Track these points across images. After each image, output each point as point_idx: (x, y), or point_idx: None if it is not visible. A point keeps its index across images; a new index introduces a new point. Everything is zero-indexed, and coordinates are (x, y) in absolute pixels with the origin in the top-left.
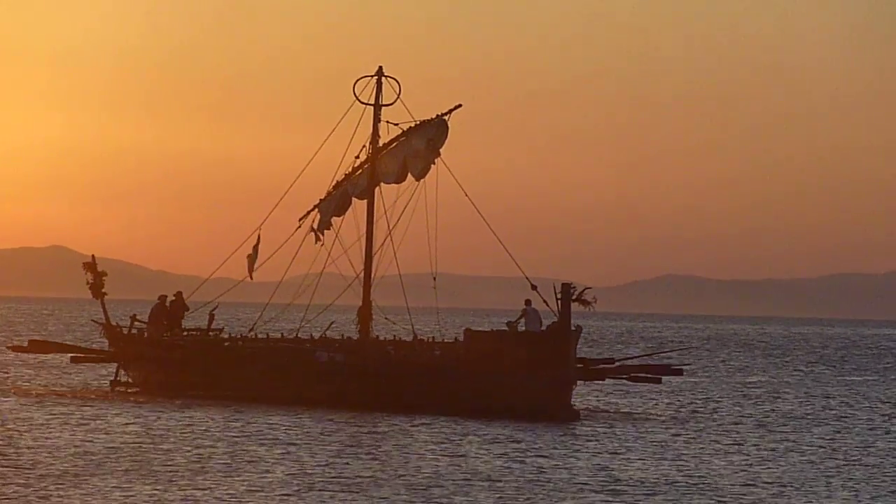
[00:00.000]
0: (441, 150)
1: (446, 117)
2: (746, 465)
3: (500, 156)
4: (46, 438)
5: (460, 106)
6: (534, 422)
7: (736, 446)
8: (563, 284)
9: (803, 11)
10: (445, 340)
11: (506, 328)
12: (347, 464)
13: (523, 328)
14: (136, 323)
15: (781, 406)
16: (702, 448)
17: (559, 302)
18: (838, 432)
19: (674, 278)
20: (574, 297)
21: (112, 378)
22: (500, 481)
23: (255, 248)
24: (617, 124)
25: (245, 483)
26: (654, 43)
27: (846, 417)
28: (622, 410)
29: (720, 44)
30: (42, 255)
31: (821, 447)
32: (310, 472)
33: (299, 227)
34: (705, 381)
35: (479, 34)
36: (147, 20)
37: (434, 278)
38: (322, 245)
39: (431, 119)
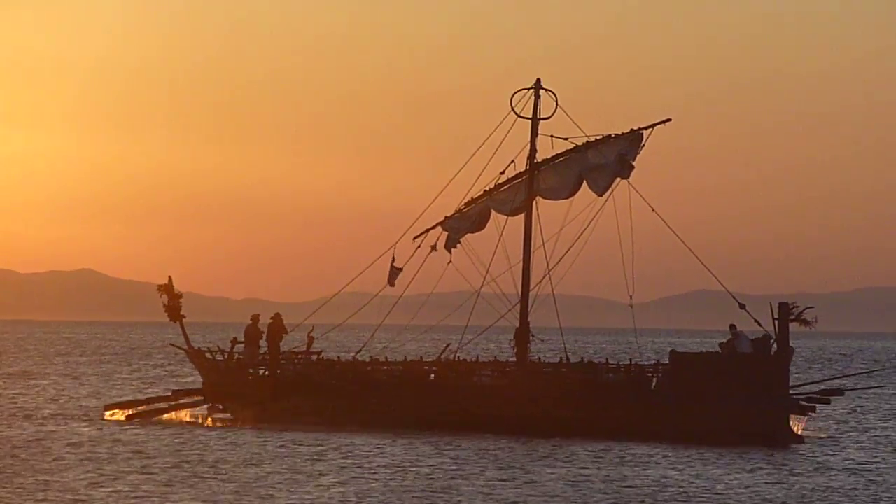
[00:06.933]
0: (635, 165)
1: (647, 131)
2: None
3: None
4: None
5: (669, 120)
6: (758, 447)
7: None
8: (780, 304)
9: None
10: (637, 363)
11: (718, 350)
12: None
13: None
14: (236, 346)
15: None
16: None
17: (776, 322)
18: None
19: (705, 294)
20: (793, 316)
21: (209, 406)
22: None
23: (393, 264)
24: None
25: None
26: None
27: None
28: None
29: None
30: (71, 279)
31: None
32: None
33: (419, 246)
34: None
35: (632, 46)
36: (220, 40)
37: (630, 296)
38: (450, 263)
39: (623, 133)
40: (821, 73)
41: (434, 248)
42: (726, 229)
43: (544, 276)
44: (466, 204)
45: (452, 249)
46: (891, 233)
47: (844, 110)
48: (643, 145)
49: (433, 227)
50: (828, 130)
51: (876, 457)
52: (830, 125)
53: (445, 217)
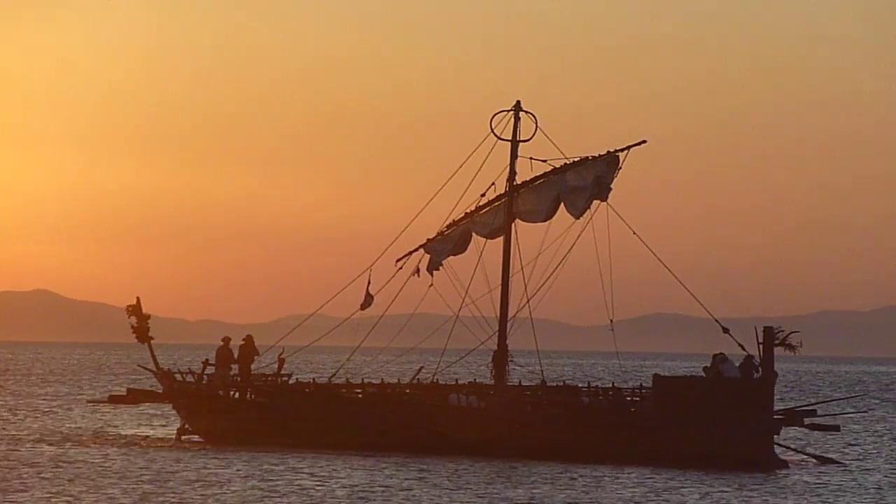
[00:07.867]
0: (612, 187)
1: (622, 153)
2: None
3: None
4: None
5: (645, 142)
6: (740, 471)
7: None
8: (765, 328)
9: None
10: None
11: (702, 374)
12: None
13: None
14: (207, 367)
15: None
16: None
17: (760, 346)
18: None
19: (660, 317)
20: (778, 341)
21: (178, 427)
22: None
23: (368, 286)
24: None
25: None
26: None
27: None
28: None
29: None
30: (25, 299)
31: None
32: None
33: (400, 268)
34: None
35: (613, 68)
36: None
37: (611, 320)
38: (432, 286)
39: (600, 155)
40: (794, 104)
41: (418, 270)
42: (685, 253)
43: (526, 302)
44: (448, 226)
45: (434, 272)
46: (849, 258)
47: (819, 140)
48: (620, 167)
49: (416, 250)
50: (801, 158)
51: (857, 480)
52: (805, 153)
53: (428, 239)
